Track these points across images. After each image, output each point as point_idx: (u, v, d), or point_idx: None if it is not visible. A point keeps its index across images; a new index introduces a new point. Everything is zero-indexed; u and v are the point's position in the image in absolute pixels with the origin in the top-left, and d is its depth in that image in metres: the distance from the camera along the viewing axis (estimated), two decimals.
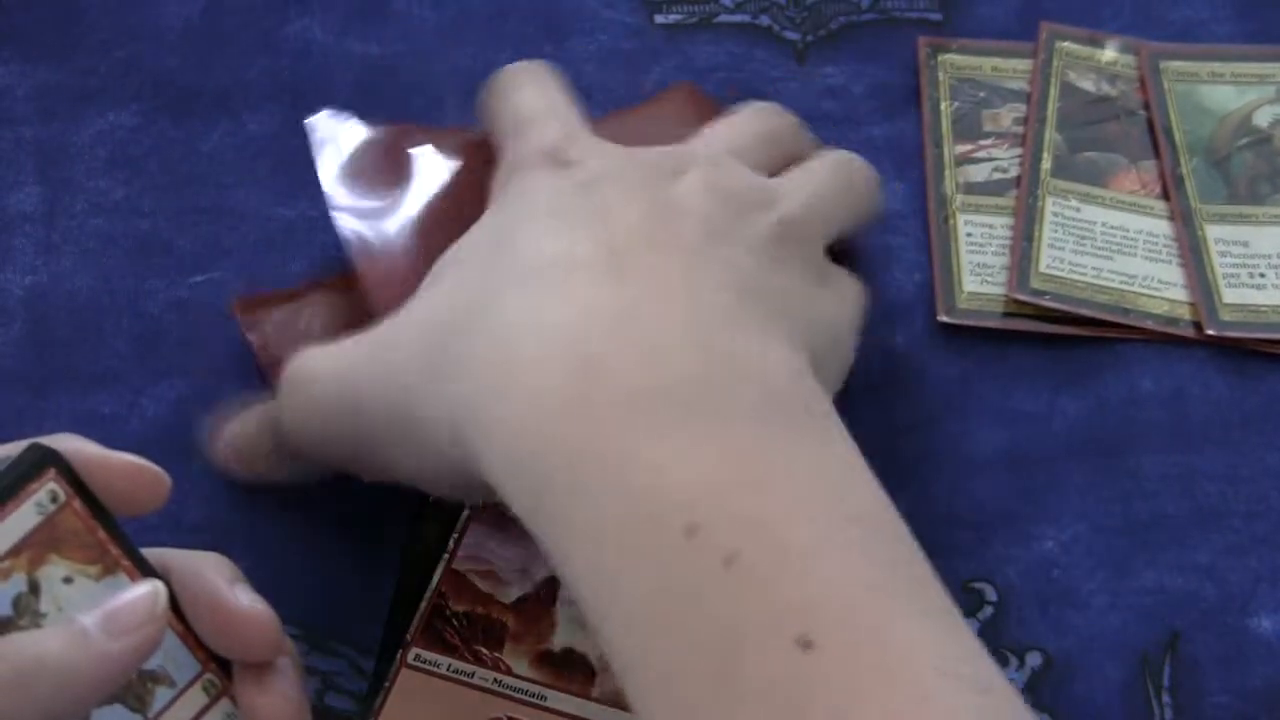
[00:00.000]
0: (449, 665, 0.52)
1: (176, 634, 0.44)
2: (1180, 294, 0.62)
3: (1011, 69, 0.67)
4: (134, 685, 0.43)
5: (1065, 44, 0.67)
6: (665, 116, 0.61)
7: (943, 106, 0.66)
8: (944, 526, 0.56)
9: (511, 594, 0.54)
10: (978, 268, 0.62)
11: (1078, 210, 0.63)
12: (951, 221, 0.63)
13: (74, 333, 0.60)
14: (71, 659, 0.40)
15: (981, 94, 0.66)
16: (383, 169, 0.58)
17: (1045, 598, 0.56)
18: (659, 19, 0.68)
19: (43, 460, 0.43)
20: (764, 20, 0.68)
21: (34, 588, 0.42)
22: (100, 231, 0.62)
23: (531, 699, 0.52)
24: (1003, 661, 0.54)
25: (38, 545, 0.42)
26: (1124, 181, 0.64)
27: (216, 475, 0.56)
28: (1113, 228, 0.63)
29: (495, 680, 0.52)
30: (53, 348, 0.60)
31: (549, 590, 0.54)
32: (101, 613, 0.41)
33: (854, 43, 0.67)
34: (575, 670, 0.52)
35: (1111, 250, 0.62)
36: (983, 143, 0.65)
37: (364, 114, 0.65)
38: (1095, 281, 0.62)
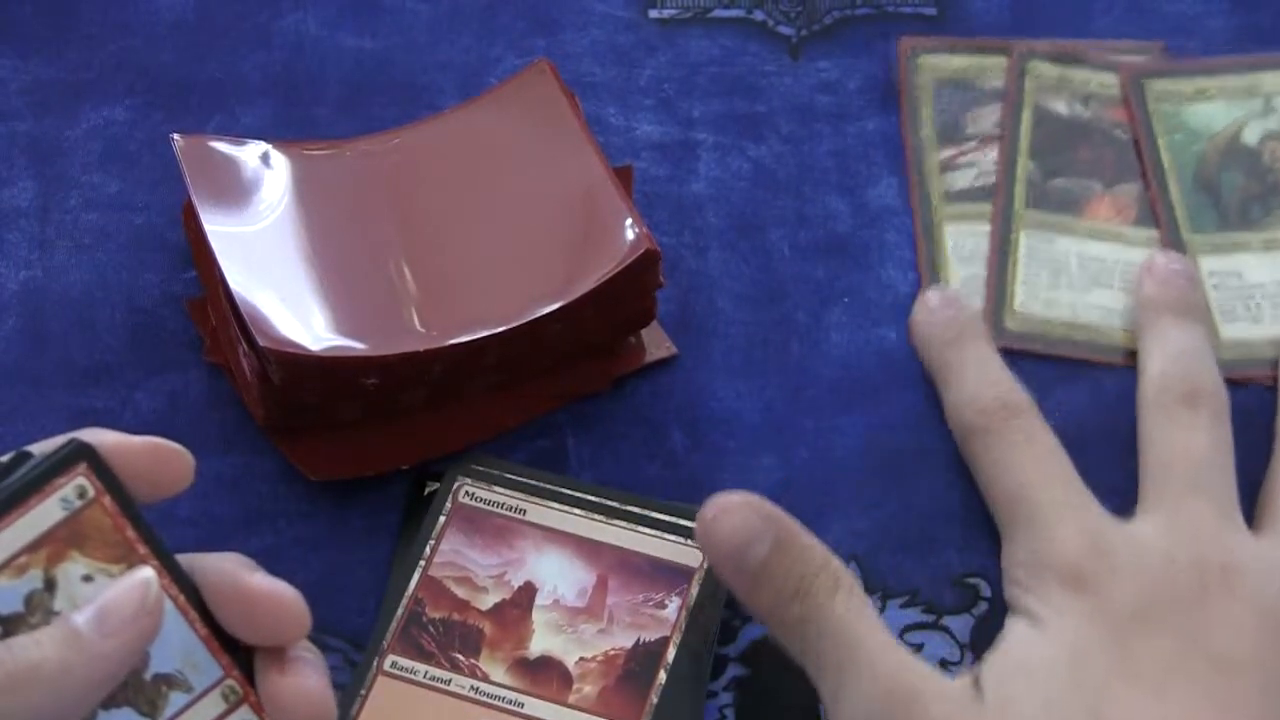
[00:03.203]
0: (425, 672, 0.52)
1: (200, 637, 0.43)
2: None
3: (993, 66, 0.66)
4: (146, 689, 0.42)
5: (1038, 64, 0.65)
6: (522, 100, 0.60)
7: (923, 113, 0.65)
8: (937, 522, 0.56)
9: (488, 600, 0.54)
10: (966, 280, 0.61)
11: (1051, 243, 0.61)
12: (936, 234, 0.62)
13: (68, 327, 0.60)
14: (66, 663, 0.40)
15: (962, 95, 0.65)
16: (255, 186, 0.58)
17: None
18: (653, 13, 0.68)
19: (74, 455, 0.42)
20: (758, 15, 0.68)
21: (50, 585, 0.41)
22: (94, 226, 0.62)
23: (508, 706, 0.52)
24: None
25: (59, 541, 0.41)
26: (1099, 208, 0.62)
27: (209, 469, 0.56)
28: (1089, 259, 0.61)
29: (472, 687, 0.52)
30: (47, 343, 0.60)
31: (526, 596, 0.54)
32: (92, 610, 0.41)
33: (848, 38, 0.67)
34: (552, 677, 0.52)
35: (1088, 283, 0.61)
36: (965, 147, 0.64)
37: (357, 107, 0.65)
38: (1071, 320, 0.60)
